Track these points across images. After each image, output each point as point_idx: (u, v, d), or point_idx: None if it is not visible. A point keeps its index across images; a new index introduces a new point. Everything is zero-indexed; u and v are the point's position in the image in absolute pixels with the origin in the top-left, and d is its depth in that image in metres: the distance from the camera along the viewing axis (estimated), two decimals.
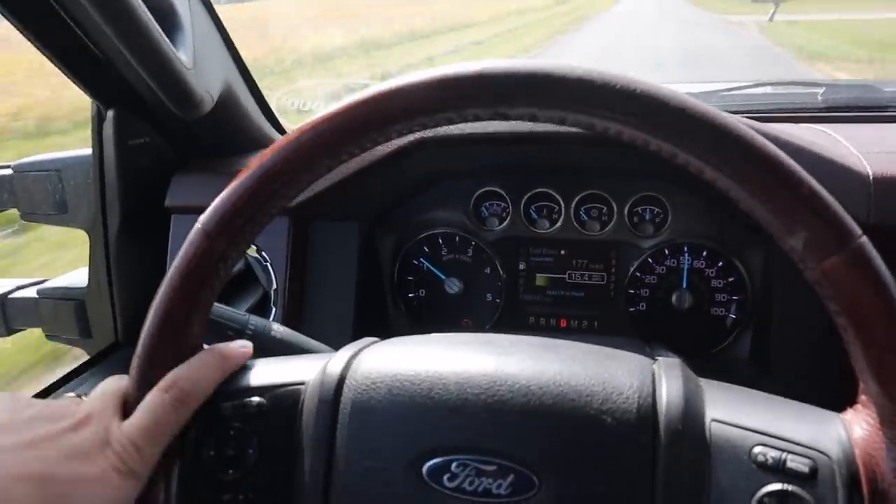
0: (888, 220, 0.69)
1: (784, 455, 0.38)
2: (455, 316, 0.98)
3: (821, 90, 1.18)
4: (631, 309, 0.92)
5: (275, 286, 0.90)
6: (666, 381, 0.41)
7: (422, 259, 0.98)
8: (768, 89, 1.25)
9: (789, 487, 0.37)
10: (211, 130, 0.93)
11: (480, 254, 0.96)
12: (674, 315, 0.91)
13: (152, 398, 0.44)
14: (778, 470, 0.38)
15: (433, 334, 0.48)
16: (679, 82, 1.35)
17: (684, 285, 0.90)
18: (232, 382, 0.47)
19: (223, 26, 0.94)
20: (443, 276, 0.97)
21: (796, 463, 0.37)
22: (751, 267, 0.87)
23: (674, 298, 0.90)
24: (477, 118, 0.41)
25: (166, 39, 0.73)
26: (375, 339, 0.49)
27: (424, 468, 0.41)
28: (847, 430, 0.39)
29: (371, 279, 0.97)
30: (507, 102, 0.40)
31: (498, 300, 0.96)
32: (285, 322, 0.90)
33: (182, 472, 0.44)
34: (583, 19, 16.06)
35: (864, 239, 0.36)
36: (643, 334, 0.91)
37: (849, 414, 0.40)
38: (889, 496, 0.36)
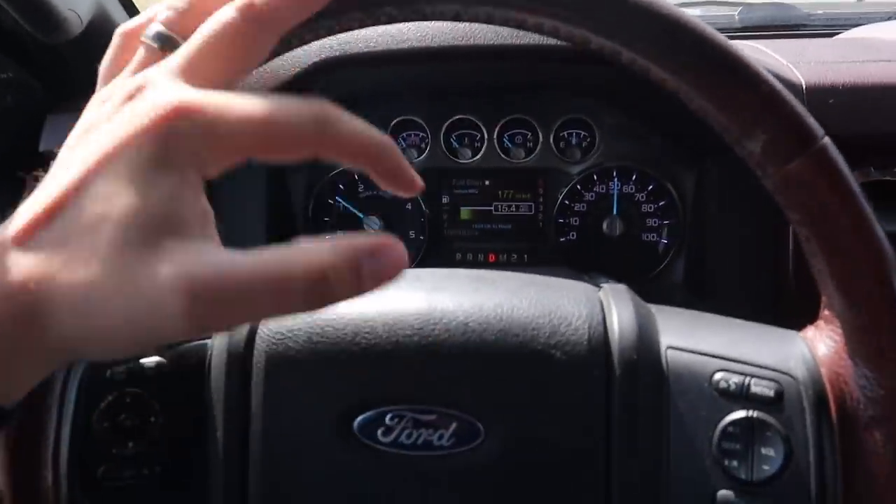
0: (826, 129, 0.67)
1: (747, 379, 0.36)
2: None
3: (737, 10, 1.17)
4: (561, 239, 0.89)
5: None
6: (616, 308, 0.38)
7: (337, 197, 0.91)
8: (686, 9, 1.23)
9: (755, 414, 0.35)
10: (84, 60, 0.82)
11: None
12: (605, 243, 0.88)
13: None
14: (741, 396, 0.36)
15: None
16: None
17: (615, 212, 0.87)
18: None
19: None
20: (360, 215, 0.90)
21: (760, 387, 0.36)
22: (682, 190, 0.85)
23: (605, 226, 0.87)
24: (391, 19, 0.35)
25: None
26: None
27: (355, 423, 0.37)
28: (811, 349, 0.37)
29: (284, 223, 0.90)
30: None
31: (422, 237, 0.90)
32: None
33: (71, 449, 0.38)
34: None
35: (828, 140, 0.33)
36: (575, 265, 0.88)
37: (810, 331, 0.38)
38: (859, 415, 0.35)
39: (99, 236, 0.27)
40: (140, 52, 0.33)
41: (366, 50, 0.73)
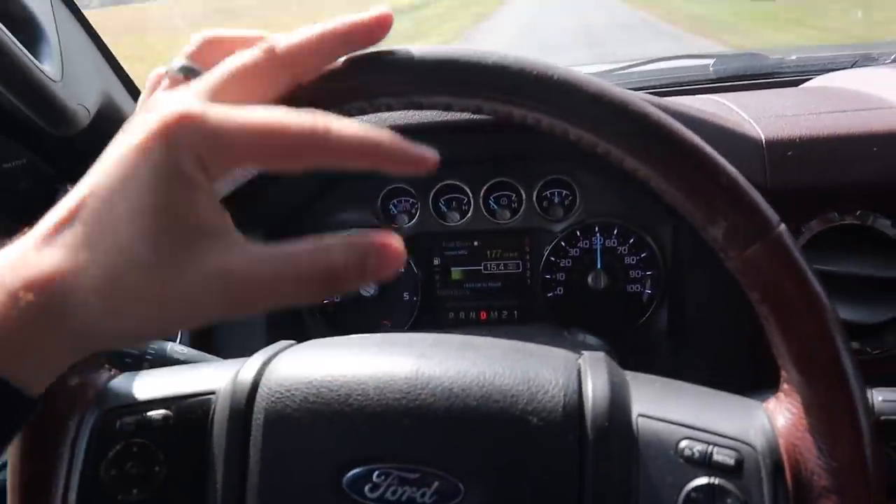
0: (783, 183, 0.71)
1: (710, 448, 0.38)
2: (372, 318, 0.95)
3: (711, 61, 1.22)
4: (549, 294, 0.92)
5: None
6: (591, 376, 0.40)
7: None
8: (662, 64, 1.28)
9: (716, 481, 0.37)
10: (95, 146, 0.87)
11: None
12: (591, 296, 0.90)
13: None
14: (704, 463, 0.37)
15: (352, 336, 0.46)
16: (578, 64, 1.36)
17: (598, 265, 0.90)
18: (134, 394, 0.43)
19: (96, 33, 0.88)
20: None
21: (722, 455, 0.37)
22: (661, 241, 0.88)
23: (590, 279, 0.89)
24: (389, 108, 0.39)
25: (26, 52, 0.67)
26: (292, 341, 0.46)
27: (344, 479, 0.38)
28: (771, 420, 0.39)
29: None
30: (421, 91, 0.38)
31: (415, 298, 0.93)
32: (194, 341, 0.86)
33: (79, 497, 0.40)
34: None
35: (783, 227, 0.36)
36: (563, 319, 0.91)
37: (772, 403, 0.40)
38: (813, 486, 0.36)
39: (121, 232, 0.30)
40: (165, 83, 0.36)
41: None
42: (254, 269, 0.31)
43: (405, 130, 0.76)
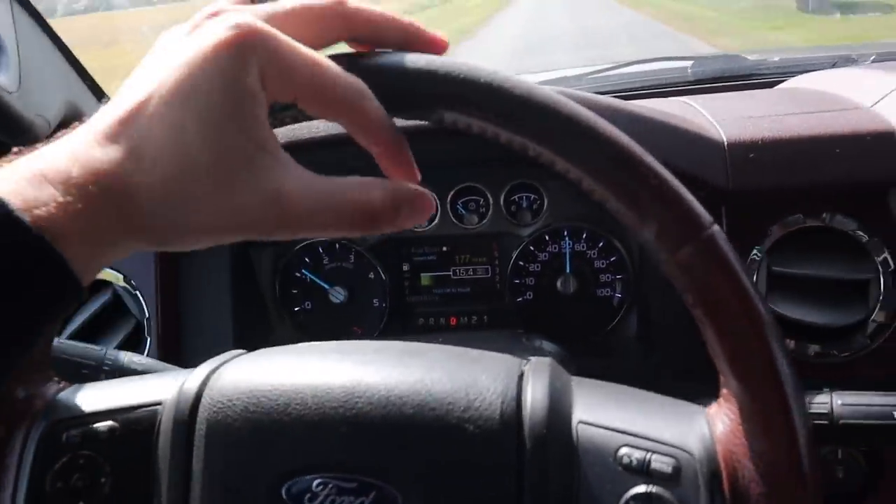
0: (745, 184, 0.70)
1: (648, 455, 0.37)
2: (343, 325, 0.94)
3: (689, 63, 1.21)
4: (518, 299, 0.91)
5: (146, 315, 0.85)
6: (532, 382, 0.39)
7: (304, 270, 0.94)
8: (640, 67, 1.27)
9: (653, 489, 0.36)
10: None
11: (361, 259, 0.93)
12: (561, 301, 0.90)
13: None
14: (642, 471, 0.37)
15: (301, 343, 0.45)
16: (559, 68, 1.36)
17: (567, 269, 0.89)
18: (81, 406, 0.43)
19: (61, 41, 0.88)
20: (326, 286, 0.93)
21: (660, 463, 0.37)
22: (629, 245, 0.88)
23: (559, 284, 0.89)
24: None
25: None
26: (241, 351, 0.46)
27: (283, 489, 0.38)
28: (710, 426, 0.38)
29: (251, 297, 0.93)
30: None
31: (384, 305, 0.93)
32: (162, 351, 0.85)
33: None
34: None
35: (716, 227, 0.35)
36: (532, 324, 0.90)
37: (713, 408, 0.39)
38: (750, 492, 0.36)
39: (186, 137, 0.31)
40: None
41: (309, 136, 0.77)
42: (305, 195, 0.34)
43: None
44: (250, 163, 0.33)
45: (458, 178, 0.90)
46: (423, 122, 0.74)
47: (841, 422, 0.60)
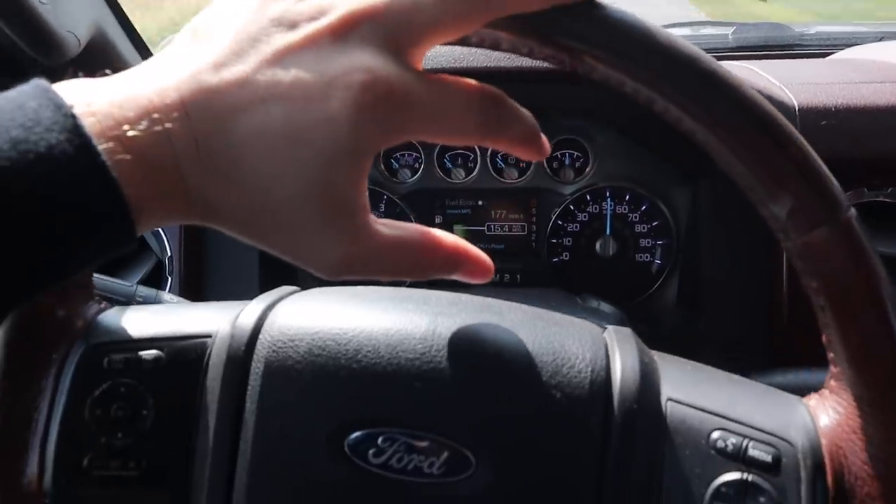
0: (818, 150, 0.67)
1: (745, 441, 0.35)
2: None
3: (731, 29, 1.18)
4: (554, 259, 0.89)
5: (168, 254, 0.82)
6: (620, 353, 0.37)
7: None
8: (679, 30, 1.24)
9: (750, 477, 0.34)
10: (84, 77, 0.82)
11: (393, 208, 0.90)
12: (598, 263, 0.88)
13: None
14: (738, 457, 0.35)
15: (363, 287, 0.42)
16: None
17: (608, 231, 0.87)
18: (124, 330, 0.40)
19: None
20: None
21: (758, 451, 0.35)
22: (676, 210, 0.85)
23: (597, 246, 0.86)
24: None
25: None
26: (296, 287, 0.43)
27: (347, 441, 0.36)
28: (813, 418, 0.36)
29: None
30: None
31: None
32: (184, 292, 0.82)
33: (60, 435, 0.38)
34: None
35: (853, 211, 0.32)
36: (568, 285, 0.88)
37: (813, 400, 0.38)
38: (856, 492, 0.34)
39: (280, 181, 0.30)
40: None
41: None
42: (372, 259, 0.33)
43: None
44: (327, 224, 0.31)
45: None
46: (464, 64, 0.72)
47: None
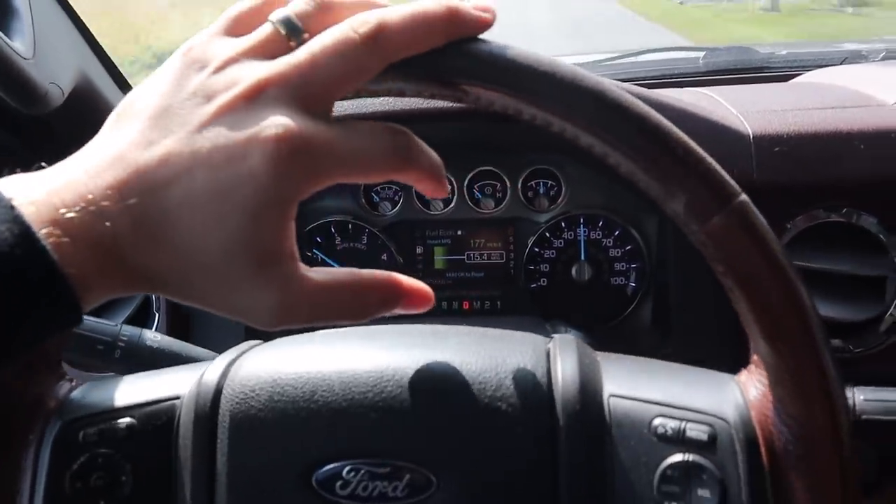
0: (772, 176, 0.70)
1: (683, 424, 0.37)
2: None
3: (701, 54, 1.21)
4: (532, 286, 0.91)
5: None
6: (561, 359, 0.39)
7: (315, 250, 0.93)
8: (652, 56, 1.27)
9: (690, 457, 0.36)
10: (68, 126, 0.85)
11: (375, 240, 0.92)
12: (575, 288, 0.90)
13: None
14: (678, 440, 0.37)
15: (318, 332, 0.44)
16: (565, 55, 1.35)
17: (582, 257, 0.89)
18: (96, 403, 0.42)
19: (73, 9, 0.86)
20: (338, 267, 0.92)
21: (695, 431, 0.37)
22: (646, 234, 0.88)
23: (573, 271, 0.89)
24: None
25: None
26: (258, 341, 0.45)
27: (314, 478, 0.38)
28: (743, 393, 0.39)
29: None
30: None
31: None
32: (170, 330, 0.84)
33: None
34: None
35: (744, 197, 0.35)
36: (546, 310, 0.90)
37: (743, 375, 0.40)
38: (787, 455, 0.36)
39: (208, 238, 0.32)
40: (264, 30, 0.34)
41: (336, 113, 0.76)
42: (306, 305, 0.35)
43: (389, 117, 0.75)
44: (257, 273, 0.33)
45: (476, 162, 0.89)
46: (443, 104, 0.74)
47: (863, 417, 0.60)
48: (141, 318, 0.85)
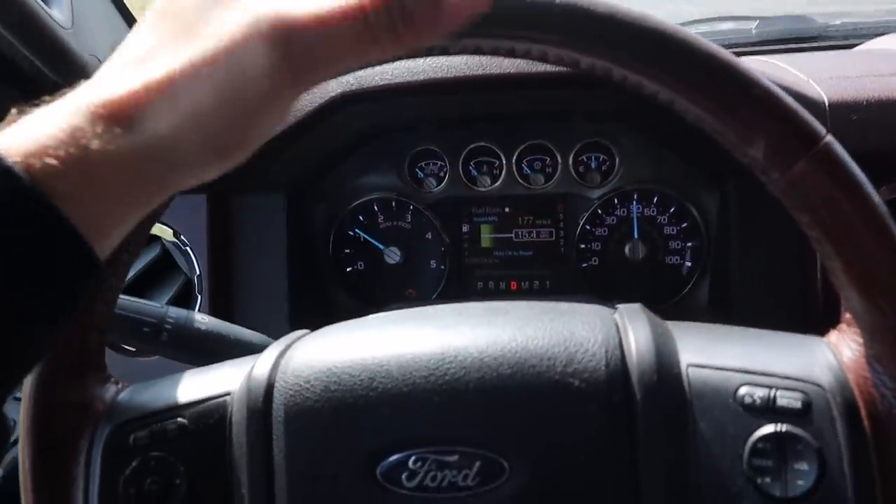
0: (851, 146, 0.65)
1: (772, 392, 0.34)
2: (398, 287, 0.91)
3: (754, 23, 1.16)
4: (583, 265, 0.88)
5: (198, 272, 0.82)
6: (632, 330, 0.37)
7: (357, 229, 0.91)
8: (700, 27, 1.22)
9: (783, 428, 0.34)
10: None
11: (420, 218, 0.90)
12: (628, 268, 0.86)
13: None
14: (768, 410, 0.34)
15: (368, 316, 0.43)
16: None
17: (636, 235, 0.86)
18: (144, 405, 0.41)
19: None
20: (381, 246, 0.90)
21: (787, 399, 0.34)
22: (705, 211, 0.84)
23: (627, 250, 0.85)
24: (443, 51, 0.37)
25: None
26: (305, 331, 0.43)
27: (378, 470, 0.36)
28: (836, 355, 0.36)
29: (304, 255, 0.90)
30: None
31: (442, 267, 0.89)
32: (213, 311, 0.82)
33: None
34: None
35: (830, 138, 0.32)
36: (598, 290, 0.87)
37: (833, 336, 0.37)
38: (892, 419, 0.33)
39: (205, 107, 0.29)
40: None
41: (382, 83, 0.73)
42: (301, 20, 0.30)
43: (434, 87, 0.72)
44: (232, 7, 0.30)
45: (525, 136, 0.86)
46: (487, 71, 0.71)
47: None
48: (183, 299, 0.83)
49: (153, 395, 0.42)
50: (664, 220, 0.86)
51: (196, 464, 0.39)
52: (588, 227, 0.87)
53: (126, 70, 0.29)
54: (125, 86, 0.29)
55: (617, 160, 0.85)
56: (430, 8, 0.30)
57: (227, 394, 0.40)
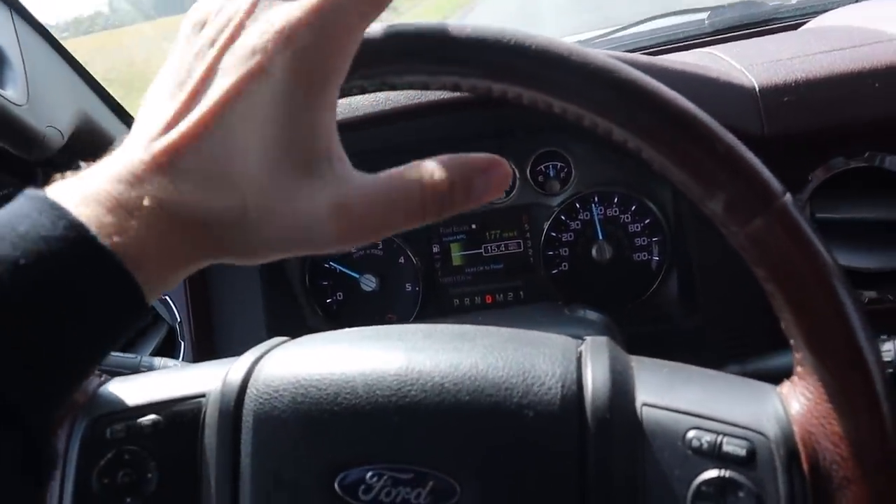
0: (781, 129, 0.67)
1: (719, 438, 0.35)
2: (377, 313, 0.93)
3: (706, 15, 1.17)
4: (553, 272, 0.89)
5: (178, 319, 0.84)
6: (591, 364, 0.38)
7: (331, 262, 0.93)
8: (655, 24, 1.23)
9: (727, 473, 0.34)
10: (75, 165, 0.86)
11: (390, 244, 0.92)
12: (597, 269, 0.87)
13: None
14: (714, 455, 0.35)
15: (346, 329, 0.44)
16: (567, 33, 1.32)
17: (600, 237, 0.87)
18: (123, 400, 0.42)
19: (68, 52, 0.87)
20: (356, 275, 0.92)
21: (732, 446, 0.35)
22: (663, 205, 0.85)
23: (594, 252, 0.86)
24: (362, 90, 0.39)
25: None
26: (284, 338, 0.45)
27: (337, 481, 0.37)
28: (784, 406, 0.36)
29: (281, 291, 0.91)
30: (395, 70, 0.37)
31: (417, 289, 0.91)
32: (198, 353, 0.85)
33: None
34: None
35: (788, 197, 0.33)
36: (570, 295, 0.88)
37: (786, 387, 0.37)
38: (832, 475, 0.34)
39: (249, 159, 0.31)
40: None
41: (351, 116, 0.76)
42: (367, 205, 0.32)
43: (386, 116, 0.74)
44: (306, 176, 0.32)
45: (480, 152, 0.87)
46: (446, 94, 0.73)
47: None
48: (167, 348, 0.86)
49: (132, 389, 0.43)
50: (627, 218, 0.87)
51: (168, 460, 0.40)
52: (553, 233, 0.88)
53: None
54: (179, 180, 0.30)
55: (573, 166, 0.86)
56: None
57: (203, 395, 0.41)
